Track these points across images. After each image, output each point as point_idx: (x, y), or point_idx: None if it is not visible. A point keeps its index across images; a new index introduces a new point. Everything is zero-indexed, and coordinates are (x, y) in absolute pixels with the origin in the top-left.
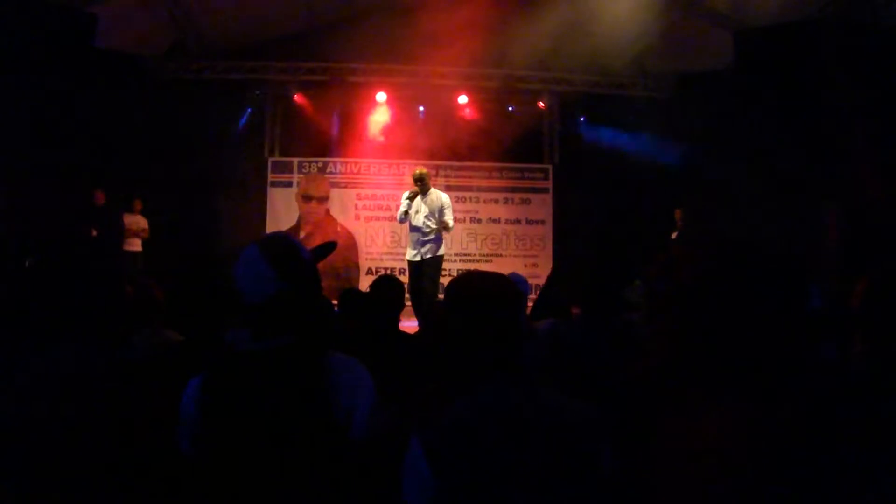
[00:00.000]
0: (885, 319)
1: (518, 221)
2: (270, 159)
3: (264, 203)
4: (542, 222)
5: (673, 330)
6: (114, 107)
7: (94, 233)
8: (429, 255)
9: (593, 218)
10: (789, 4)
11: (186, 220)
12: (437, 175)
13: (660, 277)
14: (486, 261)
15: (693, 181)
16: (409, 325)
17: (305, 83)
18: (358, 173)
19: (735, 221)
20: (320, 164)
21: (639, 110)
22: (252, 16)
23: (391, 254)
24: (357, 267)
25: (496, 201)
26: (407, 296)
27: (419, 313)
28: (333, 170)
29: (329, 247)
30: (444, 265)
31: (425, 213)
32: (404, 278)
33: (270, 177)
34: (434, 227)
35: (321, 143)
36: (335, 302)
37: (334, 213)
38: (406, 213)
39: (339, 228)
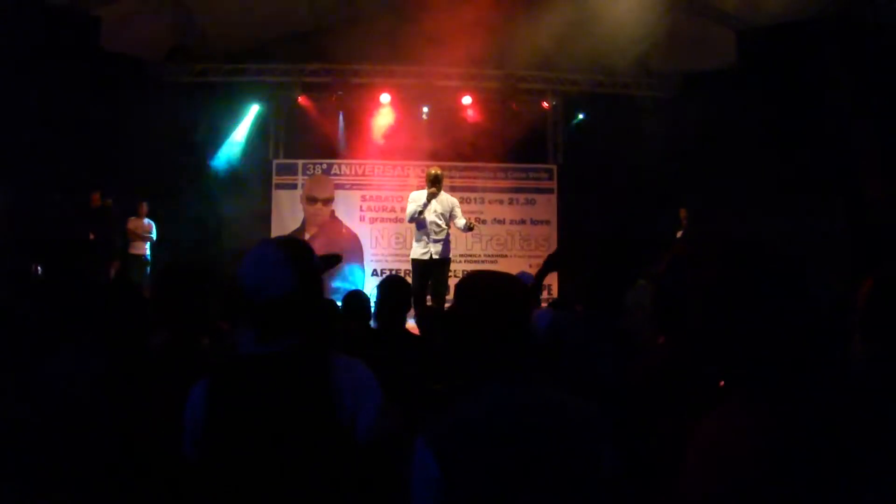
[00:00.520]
0: (890, 320)
1: (523, 222)
2: (275, 161)
3: (269, 205)
4: (547, 222)
5: (677, 329)
6: (117, 109)
7: (91, 236)
8: (438, 256)
9: (598, 218)
10: (792, 4)
11: (192, 224)
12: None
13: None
14: (492, 261)
15: (697, 180)
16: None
17: (309, 85)
18: (362, 175)
19: (739, 220)
20: (325, 166)
21: (643, 110)
22: (255, 18)
23: (396, 255)
24: (362, 268)
25: (501, 202)
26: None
27: (420, 315)
28: (338, 171)
29: (334, 259)
30: (450, 268)
31: (438, 213)
32: (408, 278)
33: (275, 179)
34: (444, 226)
35: (326, 144)
36: (340, 304)
37: (339, 214)
38: (421, 213)
39: (343, 230)
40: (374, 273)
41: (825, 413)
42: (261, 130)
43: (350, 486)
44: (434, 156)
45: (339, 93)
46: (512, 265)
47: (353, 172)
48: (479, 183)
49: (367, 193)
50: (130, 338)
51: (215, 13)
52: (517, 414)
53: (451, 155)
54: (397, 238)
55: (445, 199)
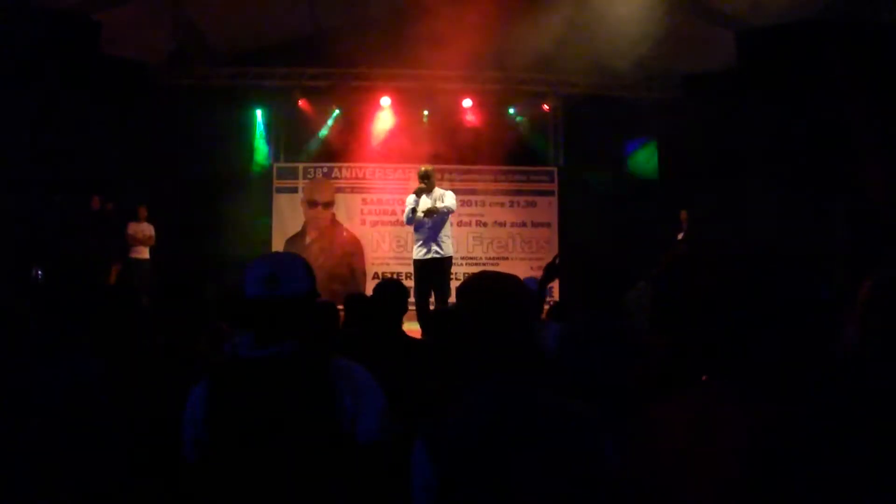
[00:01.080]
0: (890, 320)
1: (524, 224)
2: (275, 165)
3: (270, 209)
4: (548, 225)
5: (678, 329)
6: (118, 114)
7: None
8: (438, 254)
9: (599, 220)
10: (792, 4)
11: (192, 228)
12: (442, 179)
13: (664, 278)
14: (493, 264)
15: (698, 182)
16: (413, 328)
17: (310, 88)
18: (363, 178)
19: (740, 222)
20: (325, 170)
21: (643, 111)
22: (255, 22)
23: (397, 258)
24: (363, 272)
25: (502, 204)
26: (411, 299)
27: (422, 317)
28: (338, 175)
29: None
30: (451, 269)
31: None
32: (410, 282)
33: (276, 183)
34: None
35: (326, 148)
36: (341, 307)
37: (340, 218)
38: (413, 210)
39: (344, 233)
40: (376, 276)
41: (826, 411)
42: (261, 134)
43: (351, 487)
44: (434, 158)
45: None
46: (513, 268)
47: (353, 176)
48: (480, 185)
49: (368, 197)
50: (129, 341)
51: (216, 17)
52: (514, 415)
53: (452, 157)
54: (398, 241)
55: (439, 196)
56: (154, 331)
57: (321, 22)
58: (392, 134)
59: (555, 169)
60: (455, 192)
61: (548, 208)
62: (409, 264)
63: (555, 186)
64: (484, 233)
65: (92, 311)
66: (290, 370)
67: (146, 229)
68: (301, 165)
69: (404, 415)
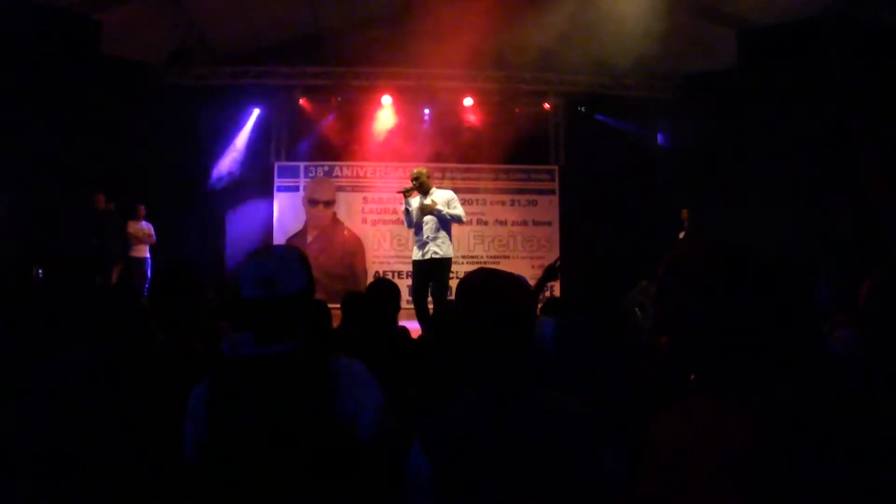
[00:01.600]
0: (890, 320)
1: (525, 223)
2: (276, 164)
3: (271, 208)
4: (549, 223)
5: (678, 328)
6: (118, 113)
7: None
8: (436, 256)
9: (600, 218)
10: (793, 4)
11: (194, 227)
12: (443, 178)
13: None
14: (494, 262)
15: (699, 181)
16: (412, 326)
17: (310, 88)
18: (364, 177)
19: (741, 220)
20: (326, 168)
21: (644, 110)
22: (256, 21)
23: (398, 257)
24: (364, 271)
25: (503, 203)
26: (408, 298)
27: (421, 317)
28: (339, 174)
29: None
30: (452, 267)
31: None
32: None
33: (276, 181)
34: (439, 224)
35: (327, 147)
36: (337, 306)
37: (341, 216)
38: (407, 210)
39: (345, 232)
40: (377, 275)
41: (825, 411)
42: (262, 133)
43: (351, 485)
44: (436, 157)
45: (339, 98)
46: (514, 266)
47: (354, 175)
48: (481, 184)
49: (369, 195)
50: (129, 340)
51: (216, 17)
52: (511, 414)
53: (453, 156)
54: (399, 240)
55: (439, 195)
56: (153, 329)
57: (322, 21)
58: (393, 133)
59: (556, 168)
60: (456, 190)
61: (549, 207)
62: (409, 263)
63: (556, 185)
64: (485, 231)
65: (92, 309)
66: (292, 369)
67: (145, 228)
68: (302, 164)
69: (401, 413)
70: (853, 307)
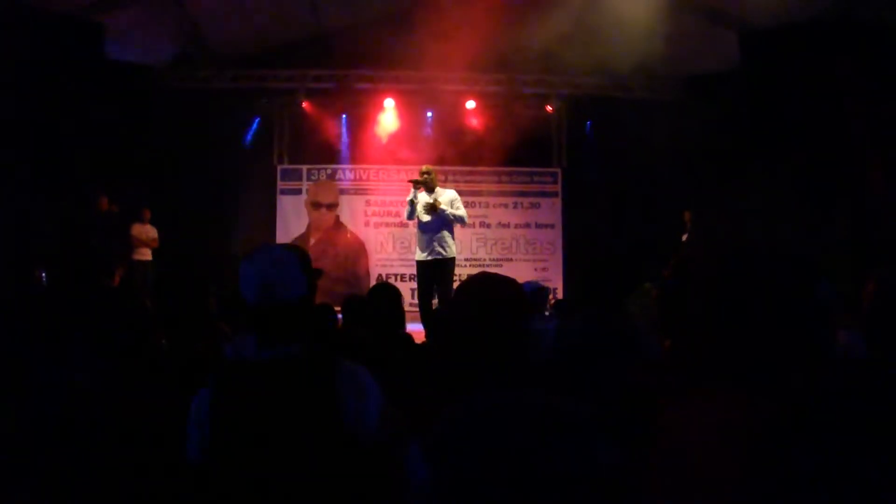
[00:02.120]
0: (893, 321)
1: (528, 226)
2: (279, 167)
3: (274, 211)
4: (552, 226)
5: (682, 332)
6: (121, 117)
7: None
8: (440, 256)
9: (603, 221)
10: (795, 5)
11: (196, 230)
12: (445, 180)
13: (671, 279)
14: (497, 265)
15: (702, 183)
16: (416, 328)
17: (313, 90)
18: (367, 180)
19: (743, 223)
20: (329, 171)
21: (646, 112)
22: (258, 24)
23: (401, 260)
24: (367, 273)
25: (505, 206)
26: (413, 301)
27: (425, 318)
28: (342, 177)
29: (319, 272)
30: (454, 270)
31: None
32: (414, 283)
33: (279, 184)
34: (443, 225)
35: (330, 150)
36: (338, 308)
37: (344, 219)
38: (412, 202)
39: (348, 235)
40: (380, 278)
41: (826, 410)
42: (265, 136)
43: (354, 490)
44: (438, 160)
45: (342, 101)
46: (517, 269)
47: (357, 177)
48: (484, 187)
49: (372, 198)
50: (132, 343)
51: (219, 20)
52: (508, 416)
53: (456, 159)
54: (402, 243)
55: (443, 195)
56: (157, 333)
57: (324, 24)
58: (395, 135)
59: (558, 170)
60: (459, 193)
61: (551, 209)
62: (413, 266)
63: (558, 188)
64: (488, 234)
65: (95, 313)
66: (295, 373)
67: (150, 231)
68: (305, 167)
69: (403, 419)
70: (853, 307)
